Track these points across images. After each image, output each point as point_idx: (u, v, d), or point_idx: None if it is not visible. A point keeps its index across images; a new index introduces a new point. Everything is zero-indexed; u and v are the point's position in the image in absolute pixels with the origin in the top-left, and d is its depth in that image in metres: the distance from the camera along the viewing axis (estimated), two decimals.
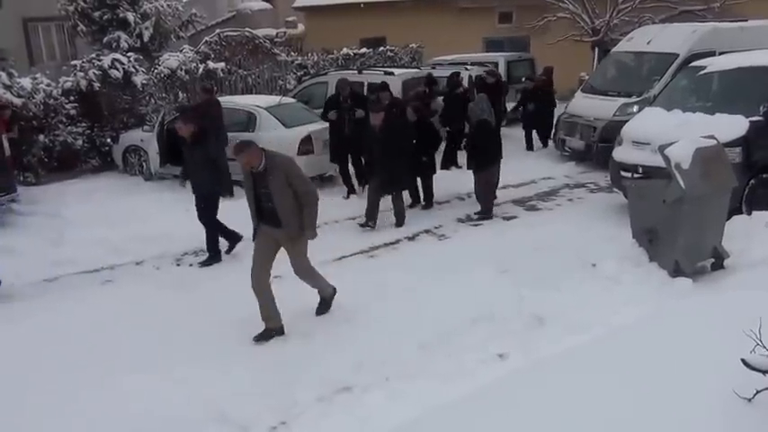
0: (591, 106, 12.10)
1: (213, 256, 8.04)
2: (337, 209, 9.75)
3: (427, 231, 8.95)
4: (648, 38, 12.42)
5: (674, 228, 6.53)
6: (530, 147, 13.93)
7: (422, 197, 10.08)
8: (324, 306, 6.43)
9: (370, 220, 9.03)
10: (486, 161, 9.29)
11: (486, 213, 9.42)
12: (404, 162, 8.98)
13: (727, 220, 6.90)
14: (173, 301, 6.79)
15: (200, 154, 7.88)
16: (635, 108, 11.03)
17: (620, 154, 9.04)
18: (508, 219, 9.44)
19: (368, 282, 7.08)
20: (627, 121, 9.76)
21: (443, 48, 18.71)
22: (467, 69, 14.32)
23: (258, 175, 5.81)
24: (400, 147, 8.88)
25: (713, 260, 6.85)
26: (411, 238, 8.72)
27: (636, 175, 8.38)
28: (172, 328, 6.10)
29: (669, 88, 10.00)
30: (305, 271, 6.26)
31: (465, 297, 6.49)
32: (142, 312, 6.49)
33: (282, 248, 6.09)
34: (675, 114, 8.47)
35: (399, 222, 9.17)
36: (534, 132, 13.99)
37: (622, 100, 11.63)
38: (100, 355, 5.63)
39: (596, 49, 15.33)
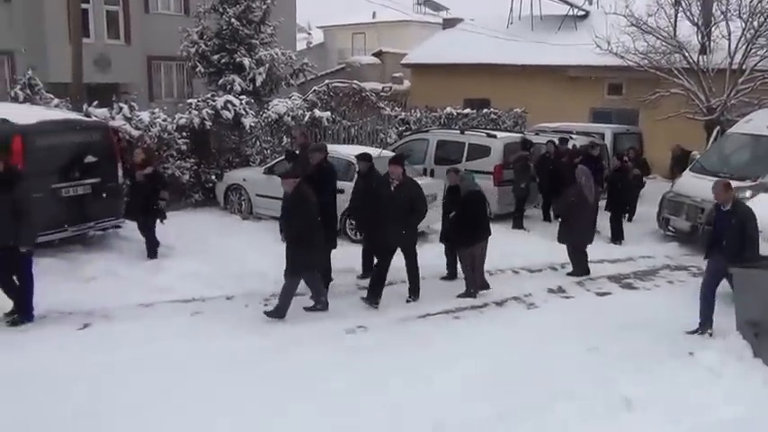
0: (700, 187, 11.53)
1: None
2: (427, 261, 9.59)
3: (516, 298, 8.73)
4: None
5: None
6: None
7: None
8: None
9: (318, 303, 7.83)
10: (471, 237, 8.54)
11: (469, 293, 8.63)
12: (309, 241, 7.51)
13: None
14: (251, 342, 6.85)
15: (6, 198, 6.88)
16: (748, 193, 10.46)
17: None
18: (601, 294, 9.09)
19: (451, 343, 7.01)
20: None
21: (548, 115, 18.56)
22: (572, 138, 14.08)
23: None
24: (307, 222, 7.50)
25: None
26: (499, 304, 8.52)
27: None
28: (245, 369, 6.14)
29: None
30: None
31: (548, 370, 6.30)
32: (217, 353, 6.56)
33: None
34: None
35: (275, 312, 7.56)
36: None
37: (735, 183, 10.99)
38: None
39: (717, 129, 14.61)
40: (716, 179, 11.24)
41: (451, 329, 7.56)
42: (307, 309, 7.84)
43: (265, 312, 7.56)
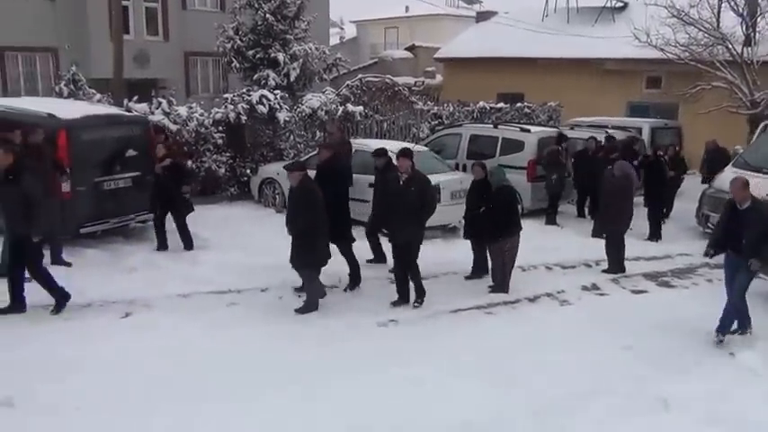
0: None
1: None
2: (458, 257, 9.59)
3: (549, 295, 8.65)
4: None
5: None
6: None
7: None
8: None
9: (308, 309, 7.64)
10: (501, 232, 8.40)
11: (500, 288, 8.54)
12: (315, 234, 7.49)
13: None
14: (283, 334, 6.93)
15: (15, 191, 6.90)
16: None
17: None
18: (637, 292, 8.98)
19: (482, 338, 6.99)
20: None
21: (583, 109, 18.35)
22: (607, 133, 13.90)
23: None
24: (312, 215, 7.43)
25: None
26: (531, 300, 8.47)
27: None
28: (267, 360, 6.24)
29: None
30: None
31: (581, 368, 6.28)
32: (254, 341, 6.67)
33: None
34: None
35: (304, 308, 7.61)
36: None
37: None
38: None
39: (765, 123, 14.20)
40: (760, 175, 11.13)
41: (483, 325, 7.54)
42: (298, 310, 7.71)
43: (296, 310, 7.60)
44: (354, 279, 8.50)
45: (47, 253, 8.47)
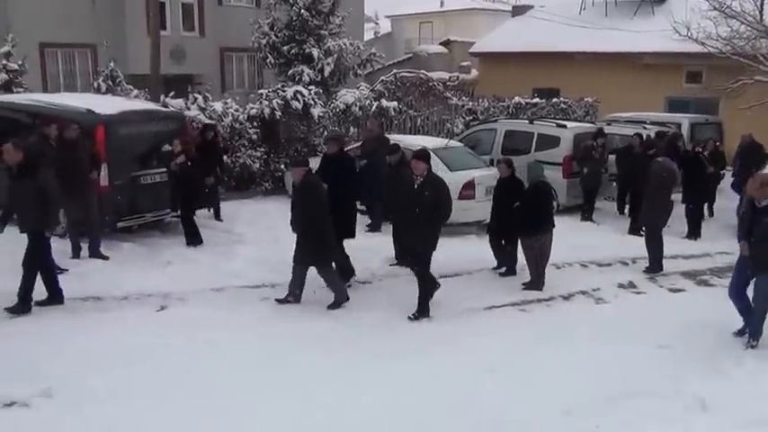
0: None
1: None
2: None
3: (584, 293, 8.53)
4: None
5: None
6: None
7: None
8: None
9: (290, 295, 7.65)
10: (535, 228, 8.32)
11: (534, 285, 8.44)
12: (320, 230, 7.37)
13: None
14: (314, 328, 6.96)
15: (28, 187, 6.90)
16: None
17: None
18: (674, 291, 8.82)
19: (516, 336, 6.93)
20: None
21: (620, 104, 18.02)
22: (645, 129, 13.65)
23: None
24: (316, 211, 7.32)
25: None
26: (566, 298, 8.36)
27: None
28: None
29: None
30: None
31: (616, 367, 6.19)
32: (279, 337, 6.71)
33: None
34: None
35: (335, 302, 7.59)
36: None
37: None
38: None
39: None
40: None
41: (517, 322, 7.49)
42: (278, 300, 7.67)
43: (328, 307, 7.59)
44: (344, 272, 8.16)
45: (84, 246, 8.69)
